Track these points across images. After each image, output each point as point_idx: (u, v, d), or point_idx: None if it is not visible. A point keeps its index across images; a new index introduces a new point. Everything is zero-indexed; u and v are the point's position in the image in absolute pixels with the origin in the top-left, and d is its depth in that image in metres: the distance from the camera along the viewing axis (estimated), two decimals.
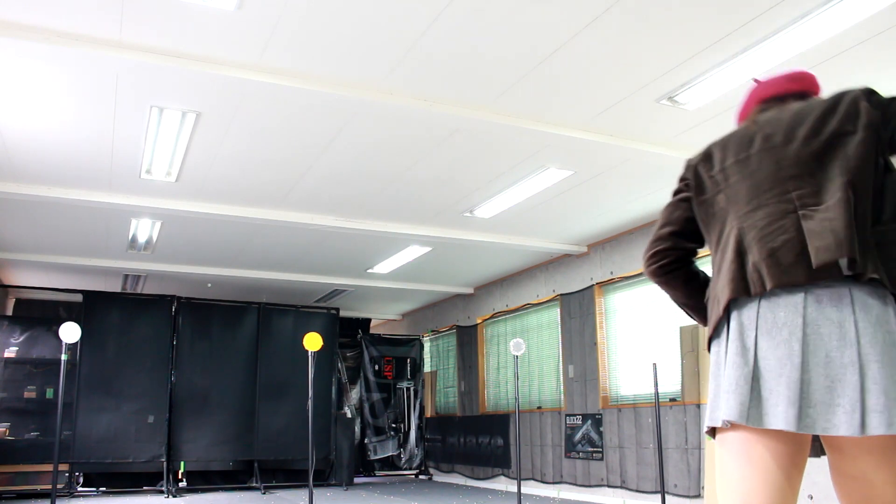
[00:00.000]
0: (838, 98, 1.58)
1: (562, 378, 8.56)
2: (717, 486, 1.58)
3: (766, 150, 1.59)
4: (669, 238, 1.74)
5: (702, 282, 1.76)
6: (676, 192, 1.77)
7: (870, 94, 1.56)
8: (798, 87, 1.72)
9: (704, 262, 1.65)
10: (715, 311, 1.60)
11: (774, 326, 1.48)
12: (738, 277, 1.54)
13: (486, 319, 10.53)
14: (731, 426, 1.51)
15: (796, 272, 1.47)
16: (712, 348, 1.62)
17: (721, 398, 1.53)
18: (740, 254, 1.56)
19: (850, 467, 1.53)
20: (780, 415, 1.43)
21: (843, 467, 1.55)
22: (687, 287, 1.76)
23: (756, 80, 1.79)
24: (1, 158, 5.58)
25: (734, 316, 1.55)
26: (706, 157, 1.70)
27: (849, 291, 1.45)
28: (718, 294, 1.59)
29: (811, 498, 4.83)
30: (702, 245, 1.76)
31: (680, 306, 1.81)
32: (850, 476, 1.54)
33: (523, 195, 6.52)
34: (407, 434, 11.86)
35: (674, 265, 1.74)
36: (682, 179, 1.75)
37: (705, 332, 1.71)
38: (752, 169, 1.60)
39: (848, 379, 1.40)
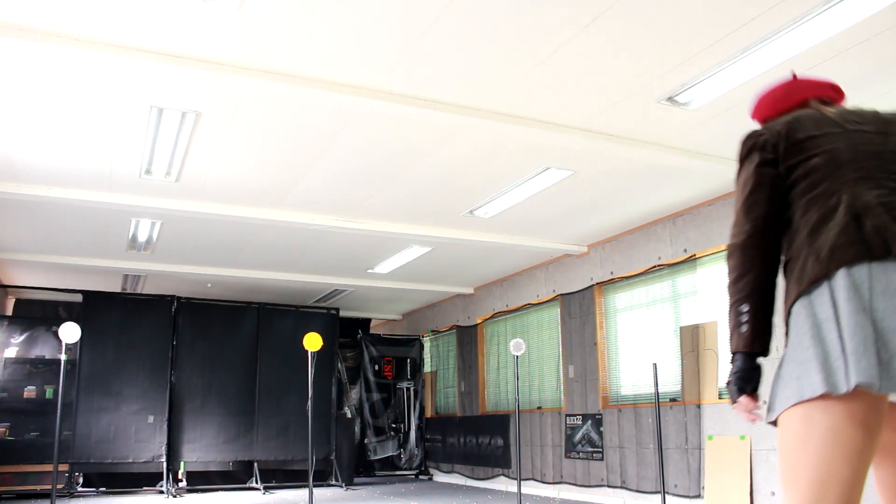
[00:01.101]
0: None
1: (562, 378, 8.56)
2: (794, 465, 1.48)
3: (859, 132, 1.65)
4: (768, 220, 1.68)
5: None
6: (760, 164, 1.70)
7: None
8: (840, 99, 1.84)
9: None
10: (815, 267, 1.53)
11: (889, 288, 1.46)
12: (858, 240, 1.50)
13: (486, 319, 10.53)
14: (822, 397, 1.45)
15: None
16: (798, 308, 1.54)
17: (834, 362, 1.44)
18: (856, 217, 1.53)
19: None
20: None
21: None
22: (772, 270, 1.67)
23: (795, 75, 1.86)
24: (1, 158, 5.58)
25: (842, 274, 1.49)
26: (783, 129, 1.70)
27: None
28: (822, 251, 1.53)
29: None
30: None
31: (744, 292, 1.64)
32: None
33: (523, 195, 6.52)
34: (407, 434, 11.86)
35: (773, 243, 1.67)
36: (761, 149, 1.71)
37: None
38: (850, 141, 1.63)
39: None
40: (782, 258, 1.66)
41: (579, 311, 8.32)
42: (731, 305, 1.64)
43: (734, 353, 1.63)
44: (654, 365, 6.40)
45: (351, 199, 6.65)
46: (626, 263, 7.73)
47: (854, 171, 1.59)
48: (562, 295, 8.65)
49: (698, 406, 6.57)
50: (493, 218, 7.22)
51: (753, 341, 1.59)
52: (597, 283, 8.09)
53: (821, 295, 1.50)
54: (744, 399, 1.61)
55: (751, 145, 1.74)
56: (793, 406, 1.49)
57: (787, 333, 1.57)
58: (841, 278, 1.48)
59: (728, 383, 1.64)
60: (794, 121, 1.71)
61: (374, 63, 4.19)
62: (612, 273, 7.92)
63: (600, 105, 4.76)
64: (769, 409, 1.56)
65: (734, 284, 1.64)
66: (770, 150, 1.69)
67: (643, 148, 5.35)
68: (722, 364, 6.50)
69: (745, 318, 1.60)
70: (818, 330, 1.48)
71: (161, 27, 3.79)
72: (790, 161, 1.66)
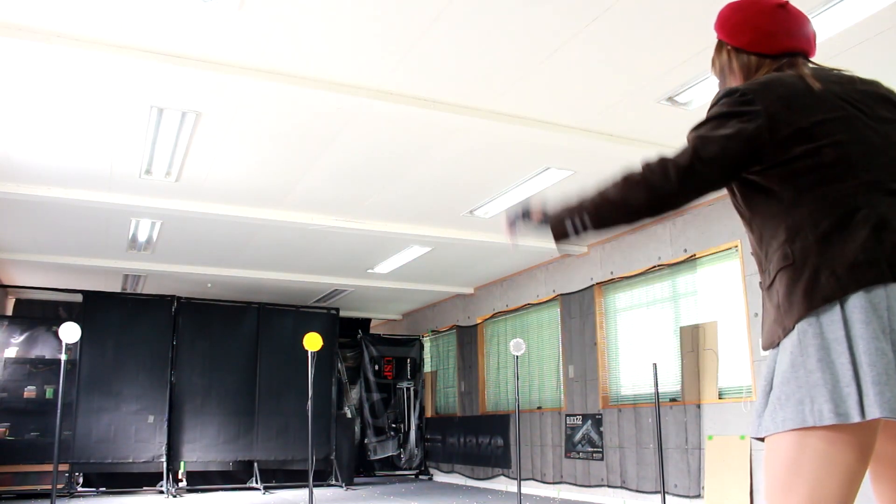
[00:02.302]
0: (888, 88, 1.65)
1: (562, 378, 8.56)
2: (785, 484, 1.41)
3: (863, 117, 1.53)
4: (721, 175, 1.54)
5: None
6: (752, 137, 1.49)
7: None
8: (813, 51, 1.70)
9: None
10: (831, 284, 1.40)
11: None
12: (879, 259, 1.39)
13: (486, 319, 10.53)
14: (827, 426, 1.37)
15: None
16: (804, 326, 1.41)
17: (844, 389, 1.35)
18: (875, 230, 1.41)
19: None
20: None
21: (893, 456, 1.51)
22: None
23: (788, 2, 1.65)
24: (1, 158, 5.58)
25: (859, 294, 1.38)
26: (781, 108, 1.50)
27: None
28: (837, 266, 1.41)
29: None
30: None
31: (608, 222, 1.60)
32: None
33: (523, 195, 6.52)
34: (407, 434, 11.86)
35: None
36: (752, 114, 1.49)
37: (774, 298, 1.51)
38: (857, 134, 1.50)
39: None
40: (777, 257, 1.51)
41: (579, 311, 8.32)
42: (588, 209, 1.59)
43: (566, 217, 1.62)
44: (654, 365, 6.40)
45: (351, 199, 6.65)
46: (626, 263, 7.73)
47: (866, 173, 1.47)
48: (562, 295, 8.65)
49: (698, 406, 6.57)
50: (493, 218, 7.22)
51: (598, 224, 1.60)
52: (597, 283, 8.09)
53: (831, 313, 1.39)
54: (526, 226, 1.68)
55: (749, 110, 1.50)
56: (790, 430, 1.42)
57: (779, 342, 1.46)
58: (857, 298, 1.38)
59: (545, 217, 1.66)
60: (791, 96, 1.52)
61: (374, 63, 4.19)
62: (612, 273, 7.92)
63: (600, 105, 4.76)
64: (758, 425, 1.48)
65: (618, 209, 1.57)
66: (766, 131, 1.49)
67: (643, 148, 5.35)
68: (722, 364, 6.50)
69: (586, 220, 1.60)
70: (826, 352, 1.38)
71: (161, 27, 3.79)
72: (796, 149, 1.48)
